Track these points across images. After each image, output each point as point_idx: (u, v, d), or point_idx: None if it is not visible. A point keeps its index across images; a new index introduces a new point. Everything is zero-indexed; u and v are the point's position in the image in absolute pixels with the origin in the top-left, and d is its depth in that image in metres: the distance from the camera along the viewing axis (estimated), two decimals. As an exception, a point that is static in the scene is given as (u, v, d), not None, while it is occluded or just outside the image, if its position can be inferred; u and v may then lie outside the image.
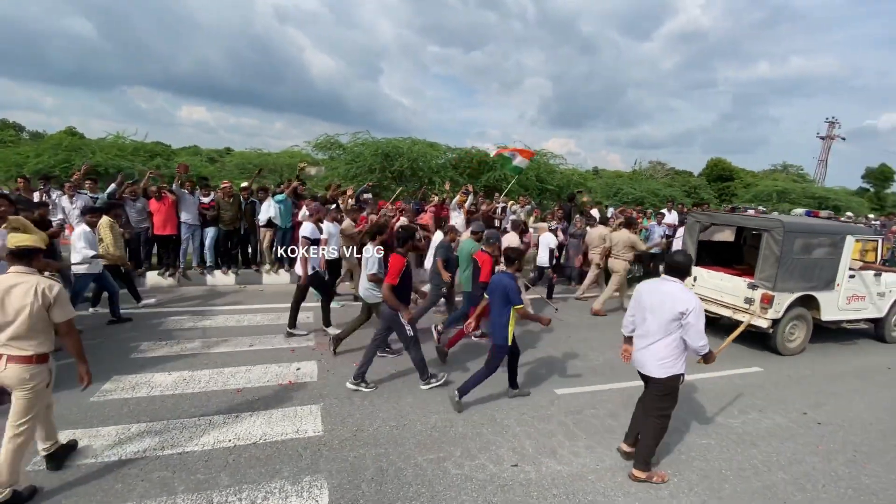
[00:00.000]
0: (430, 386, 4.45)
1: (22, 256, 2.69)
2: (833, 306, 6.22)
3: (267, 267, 8.34)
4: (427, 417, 3.92)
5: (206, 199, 7.93)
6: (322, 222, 6.00)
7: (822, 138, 41.42)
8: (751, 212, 14.10)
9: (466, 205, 8.80)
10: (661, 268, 10.61)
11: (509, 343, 4.07)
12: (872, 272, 6.45)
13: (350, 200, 8.36)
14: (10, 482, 2.66)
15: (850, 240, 6.08)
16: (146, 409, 3.80)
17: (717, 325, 6.67)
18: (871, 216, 19.62)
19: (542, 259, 7.73)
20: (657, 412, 3.25)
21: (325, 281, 5.98)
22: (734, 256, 7.58)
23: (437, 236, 6.70)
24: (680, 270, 3.23)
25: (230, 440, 3.44)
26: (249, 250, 8.70)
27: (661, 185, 22.06)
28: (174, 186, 7.28)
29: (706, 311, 6.41)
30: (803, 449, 3.83)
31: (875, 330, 7.01)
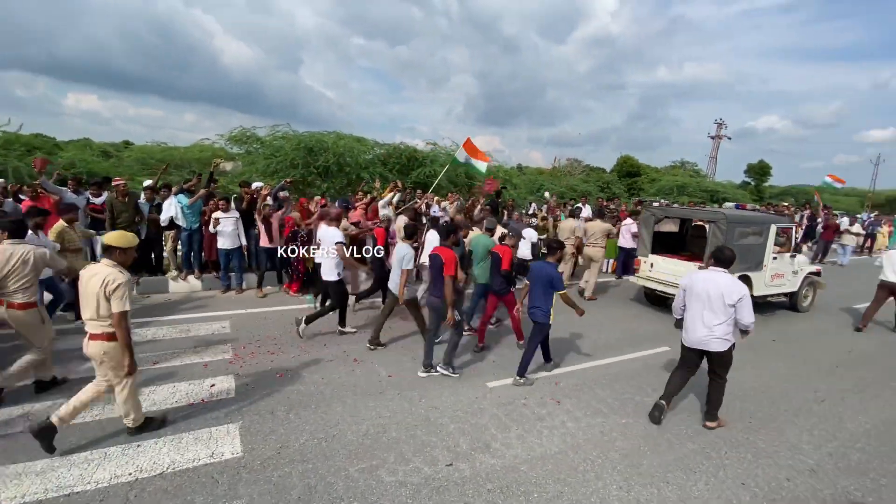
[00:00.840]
0: (430, 374, 4.78)
1: (106, 250, 3.22)
2: (762, 283, 7.23)
3: (173, 273, 7.56)
4: (359, 425, 3.76)
5: (97, 200, 6.99)
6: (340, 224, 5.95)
7: (712, 138, 46.70)
8: (655, 204, 15.40)
9: (395, 201, 8.64)
10: (580, 259, 11.23)
11: (550, 322, 4.66)
12: (788, 254, 7.65)
13: (269, 199, 7.84)
14: (137, 417, 3.44)
15: (773, 227, 7.16)
16: (24, 447, 3.22)
17: (667, 303, 7.61)
18: (757, 206, 22.44)
19: (524, 253, 7.79)
20: (722, 376, 4.02)
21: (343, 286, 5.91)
22: (678, 245, 8.46)
23: (432, 236, 6.53)
24: (727, 261, 3.91)
25: (130, 473, 3.03)
26: (153, 256, 7.82)
27: (578, 181, 23.46)
28: (41, 180, 6.25)
29: (663, 292, 7.26)
30: (707, 419, 4.22)
31: (789, 301, 8.13)
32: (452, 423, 3.87)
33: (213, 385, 4.32)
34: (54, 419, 3.14)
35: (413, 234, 5.34)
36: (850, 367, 5.69)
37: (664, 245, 8.08)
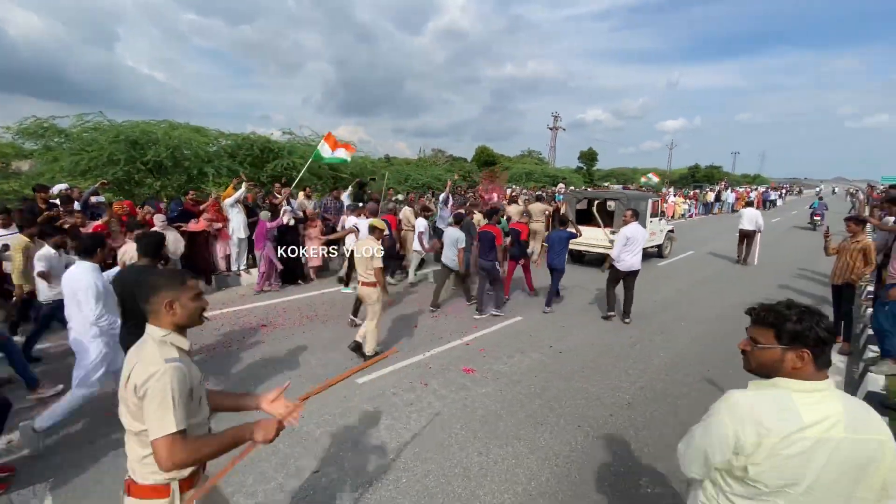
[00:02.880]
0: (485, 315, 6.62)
1: (372, 231, 5.09)
2: (644, 239, 9.75)
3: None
4: (210, 450, 3.40)
5: None
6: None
7: (551, 129, 52.32)
8: (516, 188, 16.77)
9: (241, 196, 7.90)
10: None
11: (563, 266, 6.97)
12: (657, 217, 10.98)
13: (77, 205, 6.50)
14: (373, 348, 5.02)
15: (650, 201, 10.46)
16: None
17: (584, 259, 10.94)
18: (589, 189, 26.08)
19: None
20: (634, 287, 6.57)
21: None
22: (587, 218, 10.93)
23: (420, 223, 8.33)
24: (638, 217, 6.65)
25: None
26: None
27: (442, 171, 24.39)
28: None
29: (588, 251, 10.75)
30: (551, 376, 4.83)
31: (658, 251, 11.61)
32: (319, 429, 3.76)
33: (9, 441, 3.48)
34: (360, 338, 5.08)
35: (460, 219, 6.97)
36: (655, 314, 7.04)
37: (577, 218, 10.85)
